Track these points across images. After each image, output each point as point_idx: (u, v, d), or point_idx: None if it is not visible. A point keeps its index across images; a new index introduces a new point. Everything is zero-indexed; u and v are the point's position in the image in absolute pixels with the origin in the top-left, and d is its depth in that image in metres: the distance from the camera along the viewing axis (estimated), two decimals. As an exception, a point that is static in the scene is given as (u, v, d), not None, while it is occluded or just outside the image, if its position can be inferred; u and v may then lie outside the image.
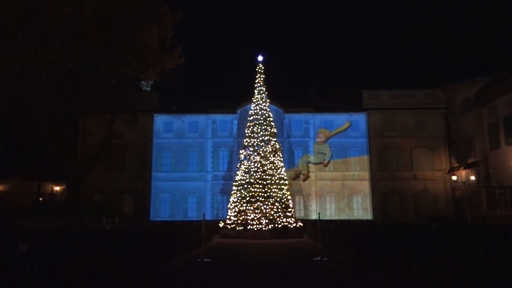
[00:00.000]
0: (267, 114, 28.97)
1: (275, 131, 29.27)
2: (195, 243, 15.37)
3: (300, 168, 35.74)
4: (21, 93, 24.59)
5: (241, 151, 29.06)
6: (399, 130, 36.03)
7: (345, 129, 36.20)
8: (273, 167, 27.60)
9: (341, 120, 36.55)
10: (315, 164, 35.77)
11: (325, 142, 36.06)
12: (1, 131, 29.14)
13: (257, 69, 29.86)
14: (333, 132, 36.12)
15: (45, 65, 23.36)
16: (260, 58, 29.91)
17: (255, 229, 24.94)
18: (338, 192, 35.43)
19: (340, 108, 37.39)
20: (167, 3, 25.75)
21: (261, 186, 26.62)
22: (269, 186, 26.76)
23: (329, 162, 35.79)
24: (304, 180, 35.50)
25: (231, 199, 27.95)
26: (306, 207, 35.17)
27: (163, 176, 35.75)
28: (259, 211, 25.77)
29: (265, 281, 8.98)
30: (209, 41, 77.72)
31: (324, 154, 35.88)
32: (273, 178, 27.20)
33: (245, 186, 27.18)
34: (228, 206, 28.16)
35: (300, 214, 34.08)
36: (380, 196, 34.98)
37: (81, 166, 30.31)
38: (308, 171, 35.66)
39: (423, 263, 7.60)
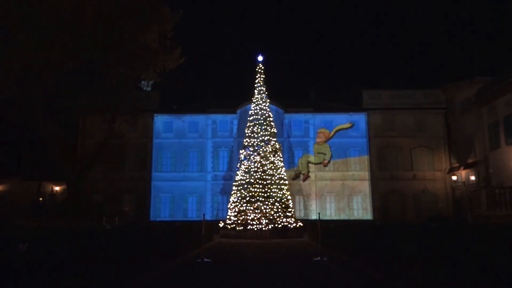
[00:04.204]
0: (267, 114, 28.95)
1: (275, 131, 29.25)
2: (195, 243, 15.36)
3: (300, 168, 35.76)
4: (21, 93, 24.61)
5: (241, 151, 29.05)
6: (399, 130, 36.03)
7: (346, 128, 36.19)
8: (273, 167, 27.59)
9: (341, 120, 36.57)
10: (315, 164, 35.79)
11: (325, 142, 36.08)
12: (1, 131, 29.17)
13: (257, 69, 29.83)
14: (333, 132, 36.11)
15: (45, 65, 23.37)
16: (260, 58, 29.87)
17: (255, 229, 24.92)
18: (338, 192, 35.43)
19: (340, 108, 37.41)
20: (167, 3, 25.77)
21: (261, 186, 26.60)
22: (269, 186, 26.75)
23: (329, 162, 35.80)
24: (304, 180, 35.51)
25: (231, 199, 27.94)
26: (306, 207, 35.17)
27: (163, 176, 35.76)
28: (259, 211, 25.76)
29: (265, 281, 8.98)
30: (209, 41, 77.75)
31: (324, 154, 35.89)
32: (273, 178, 27.18)
33: (245, 186, 27.16)
34: (228, 206, 28.15)
35: (300, 214, 34.08)
36: (380, 196, 34.99)
37: (81, 166, 30.32)
38: (308, 171, 35.67)
39: (423, 263, 7.60)
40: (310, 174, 35.73)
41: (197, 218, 31.56)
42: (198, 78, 70.86)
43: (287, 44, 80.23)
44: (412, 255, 8.09)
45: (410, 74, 64.68)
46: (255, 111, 28.99)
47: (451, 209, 34.11)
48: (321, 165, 35.82)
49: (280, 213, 25.99)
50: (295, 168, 35.59)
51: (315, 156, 35.97)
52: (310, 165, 35.84)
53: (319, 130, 36.34)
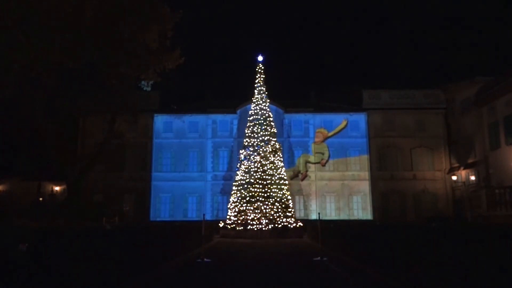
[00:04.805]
0: (267, 114, 28.97)
1: (275, 131, 29.26)
2: (195, 243, 15.37)
3: (298, 168, 35.72)
4: (21, 93, 24.59)
5: (241, 151, 29.06)
6: (399, 130, 36.04)
7: (343, 128, 36.23)
8: (273, 167, 27.60)
9: (341, 120, 36.58)
10: (313, 163, 35.81)
11: (323, 142, 36.11)
12: (1, 131, 29.15)
13: (257, 69, 29.85)
14: (331, 133, 36.17)
15: (45, 65, 23.35)
16: (260, 58, 29.91)
17: (255, 229, 24.94)
18: (338, 192, 35.43)
19: (340, 108, 37.42)
20: (167, 3, 25.77)
21: (261, 186, 26.61)
22: (269, 186, 26.76)
23: (327, 161, 35.81)
24: (302, 180, 35.50)
25: (231, 199, 27.95)
26: (306, 207, 35.17)
27: (163, 176, 35.76)
28: (259, 211, 25.77)
29: (265, 281, 8.98)
30: (209, 41, 77.73)
31: (322, 153, 35.92)
32: (273, 178, 27.19)
33: (245, 186, 27.18)
34: (228, 206, 28.16)
35: (300, 214, 34.08)
36: (380, 196, 34.98)
37: (81, 166, 30.31)
38: (306, 170, 35.70)
39: (423, 263, 7.60)
40: (310, 174, 35.74)
41: (197, 218, 31.56)
42: (198, 78, 70.89)
43: (287, 44, 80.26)
44: (412, 255, 8.09)
45: (410, 74, 64.63)
46: (255, 111, 29.00)
47: (451, 209, 34.10)
48: (321, 165, 35.83)
49: (280, 213, 26.00)
50: (293, 168, 35.56)
51: (313, 155, 35.99)
52: (308, 164, 35.87)
53: (317, 130, 36.37)
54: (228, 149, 36.19)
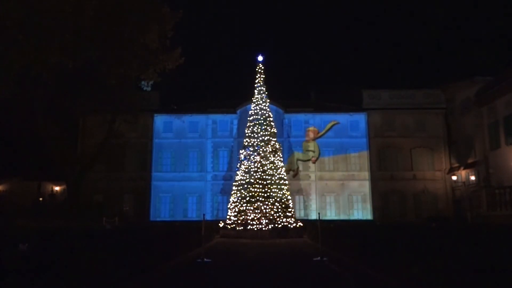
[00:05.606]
0: (267, 114, 28.95)
1: (275, 131, 29.25)
2: (195, 243, 15.37)
3: (292, 166, 35.64)
4: (21, 93, 24.61)
5: (241, 151, 29.05)
6: (399, 130, 36.04)
7: (332, 127, 36.22)
8: (273, 167, 27.59)
9: (341, 120, 36.57)
10: (303, 161, 35.86)
11: (313, 140, 36.16)
12: (1, 131, 29.17)
13: (257, 69, 29.83)
14: (321, 133, 36.18)
15: (45, 65, 23.37)
16: (260, 58, 29.86)
17: (255, 229, 24.92)
18: (338, 191, 35.43)
19: (340, 108, 37.42)
20: (167, 3, 25.79)
21: (261, 186, 26.60)
22: (269, 186, 26.75)
23: (317, 159, 35.82)
24: (294, 176, 35.43)
25: (231, 199, 27.94)
26: (306, 207, 35.17)
27: (163, 176, 35.75)
28: (259, 211, 25.76)
29: (265, 281, 8.98)
30: (209, 41, 77.72)
31: (313, 151, 35.96)
32: (273, 178, 27.19)
33: (245, 186, 27.16)
34: (228, 206, 28.15)
35: (300, 214, 34.08)
36: (380, 196, 34.98)
37: (81, 166, 30.32)
38: (297, 167, 35.75)
39: (423, 263, 7.60)
40: (310, 174, 35.73)
41: (197, 218, 31.56)
42: (198, 78, 70.90)
43: (287, 44, 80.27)
44: (412, 255, 8.09)
45: (410, 74, 64.65)
46: (255, 111, 28.99)
47: (451, 209, 34.09)
48: (312, 163, 35.83)
49: (280, 213, 25.99)
50: (285, 165, 35.45)
51: (303, 153, 36.03)
52: (299, 161, 35.92)
53: (308, 128, 36.43)
54: (228, 149, 36.19)
